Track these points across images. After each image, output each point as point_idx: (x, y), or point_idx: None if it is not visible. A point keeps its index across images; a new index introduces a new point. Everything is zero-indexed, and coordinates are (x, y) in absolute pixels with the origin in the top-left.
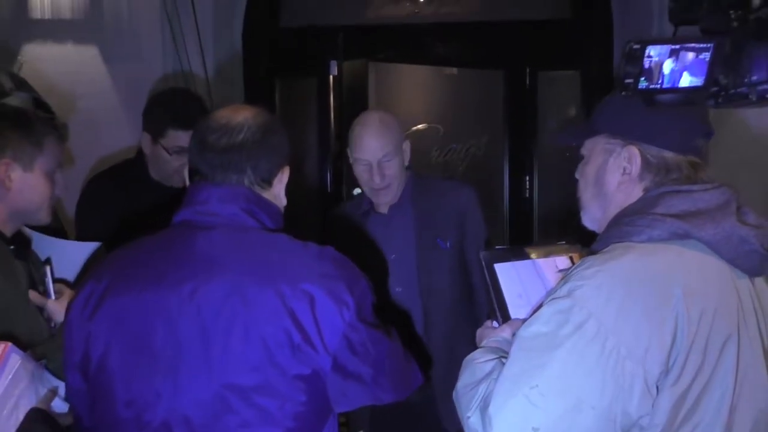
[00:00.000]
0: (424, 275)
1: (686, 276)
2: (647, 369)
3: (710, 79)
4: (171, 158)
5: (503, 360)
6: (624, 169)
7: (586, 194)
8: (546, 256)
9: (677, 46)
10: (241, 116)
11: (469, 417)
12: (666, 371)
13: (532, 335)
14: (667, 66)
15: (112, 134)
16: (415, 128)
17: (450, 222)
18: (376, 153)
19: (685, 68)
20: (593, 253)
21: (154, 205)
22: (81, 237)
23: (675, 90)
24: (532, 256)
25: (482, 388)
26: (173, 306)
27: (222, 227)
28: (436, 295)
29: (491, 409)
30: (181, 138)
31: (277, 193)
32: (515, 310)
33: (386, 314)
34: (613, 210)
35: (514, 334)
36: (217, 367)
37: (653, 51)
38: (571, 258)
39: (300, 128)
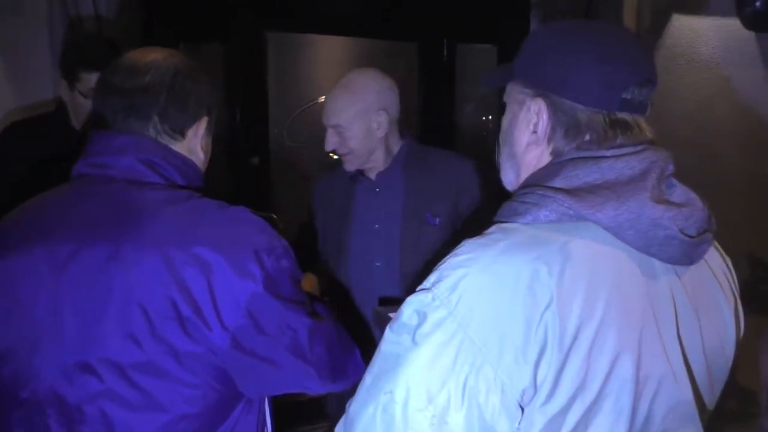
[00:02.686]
0: (406, 251)
1: (566, 275)
2: (506, 382)
3: None
4: (88, 102)
5: None
6: (533, 127)
7: (503, 154)
8: None
9: None
10: (151, 57)
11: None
12: (534, 388)
13: (393, 333)
14: None
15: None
16: (319, 100)
17: (442, 196)
18: (330, 118)
19: None
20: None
21: (76, 152)
22: None
23: None
24: None
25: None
26: (51, 269)
27: (119, 182)
28: (419, 275)
29: (350, 412)
30: (94, 79)
31: (192, 147)
32: None
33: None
34: (524, 175)
35: None
36: (93, 341)
37: None
38: None
39: None
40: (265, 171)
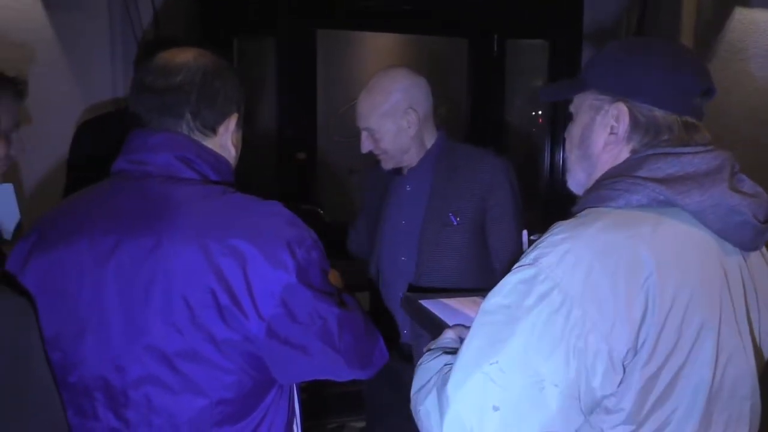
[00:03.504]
0: (424, 249)
1: (662, 250)
2: (612, 345)
3: None
4: None
5: (449, 353)
6: (611, 128)
7: (572, 156)
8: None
9: None
10: (183, 57)
11: (420, 409)
12: (635, 350)
13: (493, 308)
14: None
15: (56, 88)
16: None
17: (468, 195)
18: (361, 121)
19: None
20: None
21: None
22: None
23: None
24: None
25: (434, 380)
26: (95, 262)
27: (156, 178)
28: (434, 273)
29: (449, 387)
30: None
31: (223, 143)
32: (446, 321)
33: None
34: (599, 173)
35: (461, 338)
36: (138, 329)
37: None
38: None
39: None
40: (311, 165)
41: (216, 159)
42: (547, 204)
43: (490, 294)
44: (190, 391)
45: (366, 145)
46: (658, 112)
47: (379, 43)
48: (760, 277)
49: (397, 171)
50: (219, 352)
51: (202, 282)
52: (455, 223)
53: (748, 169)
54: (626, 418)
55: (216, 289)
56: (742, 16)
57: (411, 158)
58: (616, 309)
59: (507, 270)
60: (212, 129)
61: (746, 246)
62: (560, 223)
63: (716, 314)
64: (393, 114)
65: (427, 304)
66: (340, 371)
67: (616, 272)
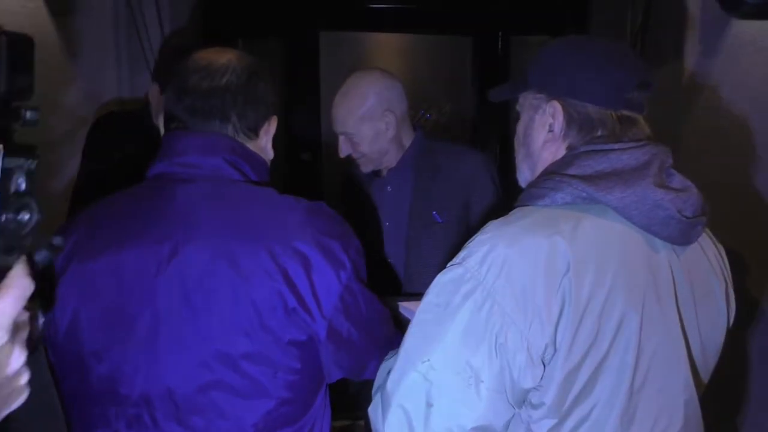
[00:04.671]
0: (412, 249)
1: (580, 248)
2: (531, 342)
3: None
4: None
5: None
6: (549, 126)
7: (518, 154)
8: None
9: None
10: (225, 58)
11: (370, 407)
12: (553, 346)
13: (426, 307)
14: None
15: (62, 92)
16: None
17: (451, 192)
18: (337, 126)
19: None
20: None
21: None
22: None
23: None
24: None
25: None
26: (150, 268)
27: (202, 180)
28: (424, 273)
29: (388, 386)
30: None
31: (264, 145)
32: None
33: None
34: (540, 170)
35: None
36: (203, 335)
37: None
38: None
39: None
40: (316, 166)
41: (258, 162)
42: None
43: (426, 293)
44: (256, 393)
45: (344, 150)
46: (591, 108)
47: (382, 43)
48: (698, 271)
49: (376, 173)
50: (284, 353)
51: (269, 285)
52: (440, 221)
53: (759, 162)
54: (548, 412)
55: (283, 291)
56: None
57: (390, 160)
58: (534, 307)
59: None
60: (255, 131)
61: (675, 240)
62: (492, 221)
63: (638, 309)
64: (370, 117)
65: (405, 309)
66: (373, 366)
67: (534, 271)
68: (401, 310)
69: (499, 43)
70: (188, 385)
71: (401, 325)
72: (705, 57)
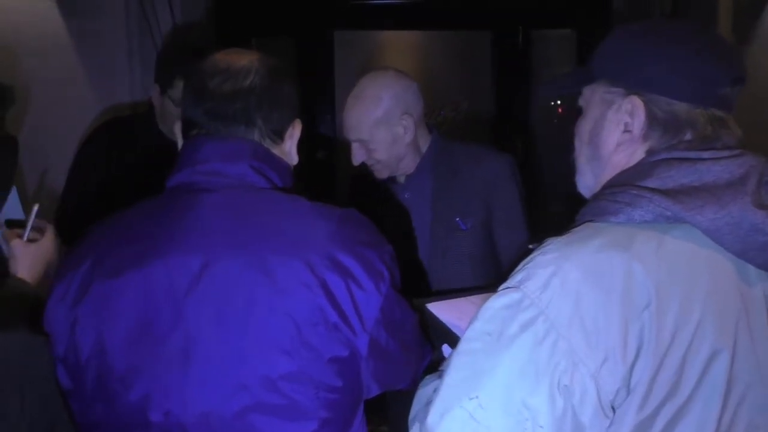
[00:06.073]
0: (435, 258)
1: (664, 275)
2: (601, 385)
3: None
4: (177, 110)
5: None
6: (625, 126)
7: (581, 155)
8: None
9: None
10: (246, 59)
11: None
12: (627, 390)
13: (474, 335)
14: None
15: (74, 94)
16: None
17: (473, 198)
18: (351, 133)
19: None
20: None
21: (161, 159)
22: (78, 186)
23: None
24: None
25: (422, 410)
26: (180, 285)
27: (227, 188)
28: (447, 281)
29: (429, 422)
30: None
31: (288, 149)
32: (461, 332)
33: None
34: (608, 176)
35: None
36: (239, 355)
37: None
38: None
39: None
40: (330, 165)
41: (283, 167)
42: (574, 205)
43: (473, 318)
44: (296, 414)
45: (358, 156)
46: (679, 106)
47: (397, 41)
48: None
49: (391, 179)
50: (326, 370)
51: (309, 299)
52: (464, 228)
53: None
54: None
55: (324, 305)
56: None
57: (407, 165)
58: (606, 343)
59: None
60: (280, 135)
61: None
62: (552, 239)
63: (729, 346)
64: (387, 122)
65: (435, 308)
66: (408, 379)
67: (609, 300)
68: (430, 308)
69: (520, 37)
70: (225, 410)
71: (426, 327)
72: (738, 45)
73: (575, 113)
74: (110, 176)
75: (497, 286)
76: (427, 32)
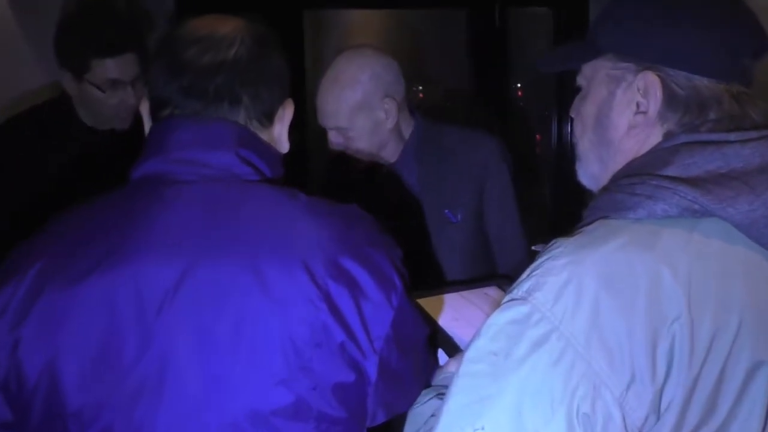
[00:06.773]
0: (424, 254)
1: (695, 278)
2: (627, 411)
3: None
4: (105, 96)
5: (442, 396)
6: (638, 106)
7: (584, 141)
8: (470, 289)
9: None
10: (230, 26)
11: None
12: (657, 415)
13: (478, 355)
14: None
15: (11, 70)
16: None
17: (464, 185)
18: (327, 120)
19: None
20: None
21: (91, 156)
22: None
23: None
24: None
25: None
26: (151, 298)
27: (218, 182)
28: (438, 276)
29: None
30: (110, 68)
31: (278, 134)
32: (457, 336)
33: None
34: (619, 164)
35: None
36: (224, 385)
37: None
38: (503, 289)
39: None
40: (302, 150)
41: (273, 155)
42: (555, 198)
43: (474, 338)
44: None
45: (335, 143)
46: (701, 82)
47: (369, 20)
48: None
49: (371, 168)
50: (329, 400)
51: (312, 314)
52: (455, 221)
53: None
54: None
55: (329, 322)
56: None
57: (389, 153)
58: (632, 362)
59: (512, 261)
60: (269, 117)
61: None
62: (561, 240)
63: None
64: (368, 106)
65: (427, 306)
66: (410, 401)
67: (632, 312)
68: (423, 306)
69: (496, 15)
70: None
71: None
72: None
73: (557, 97)
74: (35, 186)
75: (489, 279)
76: (400, 11)
